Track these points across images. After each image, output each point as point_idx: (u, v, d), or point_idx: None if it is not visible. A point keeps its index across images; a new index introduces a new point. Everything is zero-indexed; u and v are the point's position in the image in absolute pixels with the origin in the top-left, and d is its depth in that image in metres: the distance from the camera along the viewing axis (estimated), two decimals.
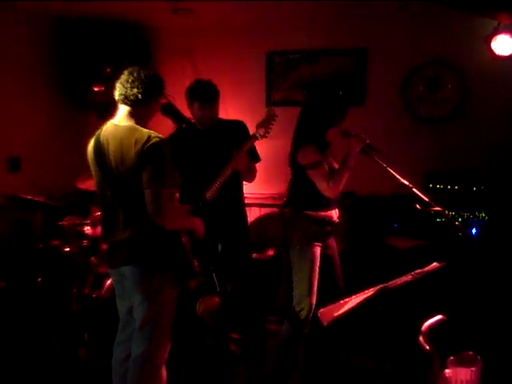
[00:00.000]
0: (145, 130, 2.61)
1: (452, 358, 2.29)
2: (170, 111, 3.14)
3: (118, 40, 5.16)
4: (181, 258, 2.70)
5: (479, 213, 4.41)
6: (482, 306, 3.78)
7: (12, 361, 3.64)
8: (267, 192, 4.58)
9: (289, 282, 3.44)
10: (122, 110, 2.70)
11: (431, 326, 2.31)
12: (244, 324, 3.78)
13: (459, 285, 3.88)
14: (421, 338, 2.29)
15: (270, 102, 5.46)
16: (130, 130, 2.63)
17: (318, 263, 3.34)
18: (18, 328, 3.82)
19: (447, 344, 2.39)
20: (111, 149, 2.63)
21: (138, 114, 2.68)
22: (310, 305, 3.30)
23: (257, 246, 4.92)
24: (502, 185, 4.46)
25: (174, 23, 5.26)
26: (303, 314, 3.31)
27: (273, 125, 3.31)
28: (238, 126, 3.67)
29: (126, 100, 2.65)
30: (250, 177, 3.68)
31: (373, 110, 5.16)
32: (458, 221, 4.26)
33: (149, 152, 2.51)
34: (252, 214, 3.73)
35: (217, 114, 3.58)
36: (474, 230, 4.38)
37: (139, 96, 2.64)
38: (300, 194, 3.39)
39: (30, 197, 3.97)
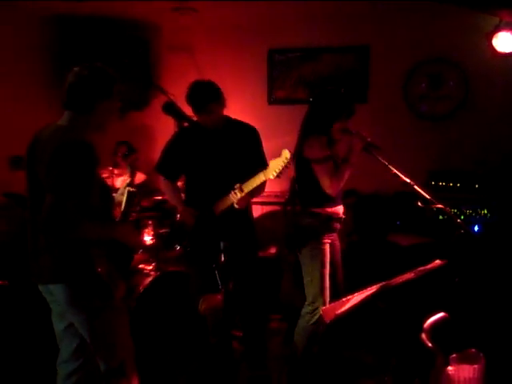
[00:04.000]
0: (70, 133, 2.40)
1: (455, 355, 2.28)
2: (172, 110, 3.12)
3: (118, 38, 5.17)
4: (87, 274, 2.46)
5: (481, 210, 4.41)
6: (485, 303, 3.78)
7: (13, 360, 3.64)
8: (269, 190, 4.57)
9: (291, 280, 3.44)
10: (65, 112, 2.51)
11: (434, 324, 2.31)
12: (246, 322, 3.78)
13: (462, 282, 3.88)
14: (423, 336, 2.28)
15: (272, 100, 5.48)
16: (58, 130, 2.44)
17: (328, 260, 3.34)
18: (20, 327, 3.83)
19: (450, 341, 2.38)
20: (38, 152, 2.44)
21: (81, 117, 2.47)
22: (324, 303, 3.30)
23: (259, 244, 4.93)
24: (504, 182, 4.46)
25: (175, 21, 5.26)
26: (317, 312, 3.31)
27: (287, 167, 3.03)
28: (250, 131, 3.50)
29: (66, 105, 2.48)
30: (260, 193, 3.51)
31: (375, 107, 5.16)
32: (460, 218, 4.25)
33: (59, 154, 2.31)
34: (254, 212, 3.71)
35: (218, 114, 3.36)
36: (476, 228, 4.38)
37: (76, 102, 2.45)
38: (306, 190, 3.38)
39: None
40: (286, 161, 2.97)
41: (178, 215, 3.51)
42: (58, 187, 2.31)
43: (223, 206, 3.30)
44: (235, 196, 3.20)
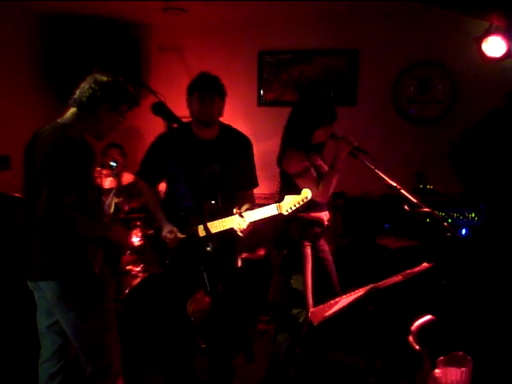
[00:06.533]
0: (70, 130, 2.45)
1: (442, 358, 2.29)
2: (161, 110, 3.08)
3: (108, 37, 5.16)
4: (81, 271, 2.48)
5: (469, 213, 4.43)
6: (472, 306, 3.80)
7: (8, 361, 3.61)
8: (258, 192, 4.57)
9: (279, 282, 3.43)
10: (69, 110, 2.60)
11: (421, 326, 2.32)
12: (234, 324, 3.76)
13: (449, 285, 3.90)
14: (411, 338, 2.29)
15: (262, 102, 5.47)
16: (58, 127, 2.50)
17: (309, 263, 3.33)
18: (11, 330, 3.80)
19: (437, 344, 2.39)
20: (37, 150, 2.47)
21: (83, 118, 2.56)
22: (307, 306, 3.29)
23: (248, 246, 4.91)
24: (492, 186, 4.48)
25: (165, 21, 5.26)
26: (301, 315, 3.30)
27: (301, 206, 2.91)
28: (246, 145, 3.33)
29: (73, 101, 2.56)
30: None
31: (364, 110, 5.18)
32: (447, 221, 4.27)
33: (57, 149, 2.36)
34: None
35: (218, 112, 3.19)
36: (463, 231, 4.40)
37: (83, 99, 2.53)
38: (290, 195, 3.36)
39: (19, 195, 3.94)
40: (305, 200, 2.86)
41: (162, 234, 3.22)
42: (55, 182, 2.34)
43: (217, 228, 3.05)
44: (238, 221, 2.98)
